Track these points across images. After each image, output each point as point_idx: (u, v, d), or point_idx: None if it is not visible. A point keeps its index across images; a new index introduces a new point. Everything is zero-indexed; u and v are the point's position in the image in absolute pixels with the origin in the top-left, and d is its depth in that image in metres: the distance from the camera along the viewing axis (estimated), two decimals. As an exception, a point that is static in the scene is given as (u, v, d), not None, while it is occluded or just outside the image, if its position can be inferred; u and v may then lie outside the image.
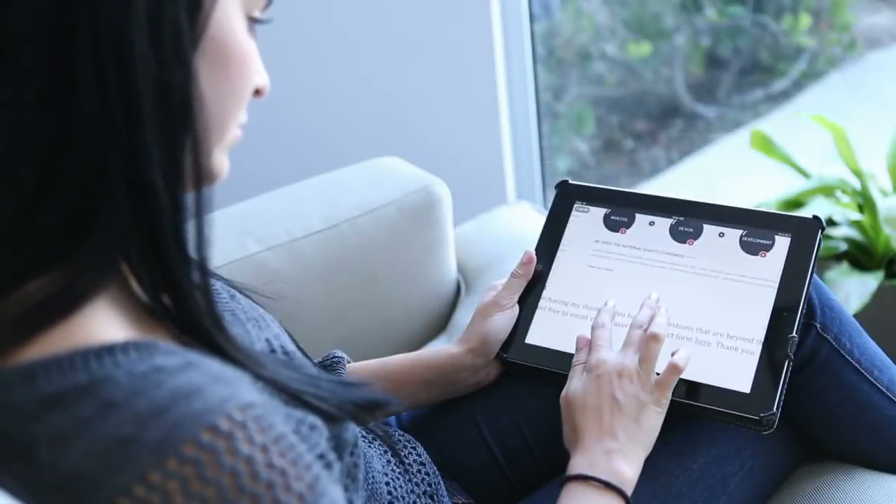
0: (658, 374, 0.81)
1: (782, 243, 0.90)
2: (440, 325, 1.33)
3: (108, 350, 0.50)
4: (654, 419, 0.80)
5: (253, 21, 0.59)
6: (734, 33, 2.73)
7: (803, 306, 0.86)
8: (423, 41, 1.86)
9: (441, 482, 0.88)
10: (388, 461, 0.85)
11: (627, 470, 0.77)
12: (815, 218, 0.90)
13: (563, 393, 0.83)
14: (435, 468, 0.89)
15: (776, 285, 0.88)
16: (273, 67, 2.05)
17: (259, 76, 0.61)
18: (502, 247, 1.34)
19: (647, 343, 0.81)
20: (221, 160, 0.60)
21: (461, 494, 0.93)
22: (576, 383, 0.82)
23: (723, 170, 2.73)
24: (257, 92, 0.61)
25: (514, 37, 1.89)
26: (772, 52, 2.78)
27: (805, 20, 2.73)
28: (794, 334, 0.83)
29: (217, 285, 0.72)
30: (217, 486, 0.48)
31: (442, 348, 0.95)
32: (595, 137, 2.79)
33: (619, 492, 0.76)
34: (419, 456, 0.88)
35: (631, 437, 0.78)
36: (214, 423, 0.49)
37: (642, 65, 2.76)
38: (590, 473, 0.76)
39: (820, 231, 0.89)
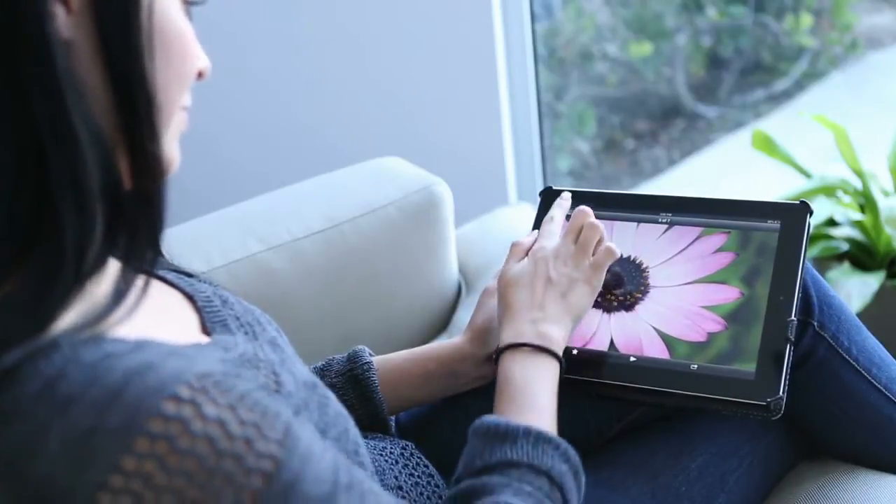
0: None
1: (772, 230, 0.91)
2: (441, 325, 1.33)
3: (55, 345, 0.49)
4: (585, 297, 0.83)
5: (188, 3, 0.59)
6: (735, 33, 2.73)
7: (799, 290, 0.87)
8: (424, 41, 1.87)
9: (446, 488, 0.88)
10: (399, 472, 0.84)
11: (555, 332, 0.80)
12: (803, 202, 0.91)
13: (500, 273, 0.87)
14: (440, 478, 0.89)
15: (770, 271, 0.89)
16: (274, 68, 2.05)
17: (199, 59, 0.60)
18: (503, 247, 1.33)
19: (586, 230, 0.86)
20: (172, 148, 0.60)
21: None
22: (513, 264, 0.86)
23: (724, 170, 2.73)
24: (200, 74, 0.61)
25: (516, 37, 1.89)
26: (773, 51, 2.78)
27: (806, 20, 2.73)
28: (792, 318, 0.84)
29: (208, 292, 0.71)
30: (195, 455, 0.48)
31: (446, 341, 0.95)
32: (596, 137, 2.79)
33: (551, 353, 0.79)
34: (427, 468, 0.88)
35: (558, 307, 0.82)
36: (174, 392, 0.48)
37: (643, 65, 2.76)
38: (518, 341, 0.79)
39: (808, 215, 0.90)
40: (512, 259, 0.87)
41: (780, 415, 0.82)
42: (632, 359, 0.89)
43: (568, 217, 0.93)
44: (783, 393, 0.82)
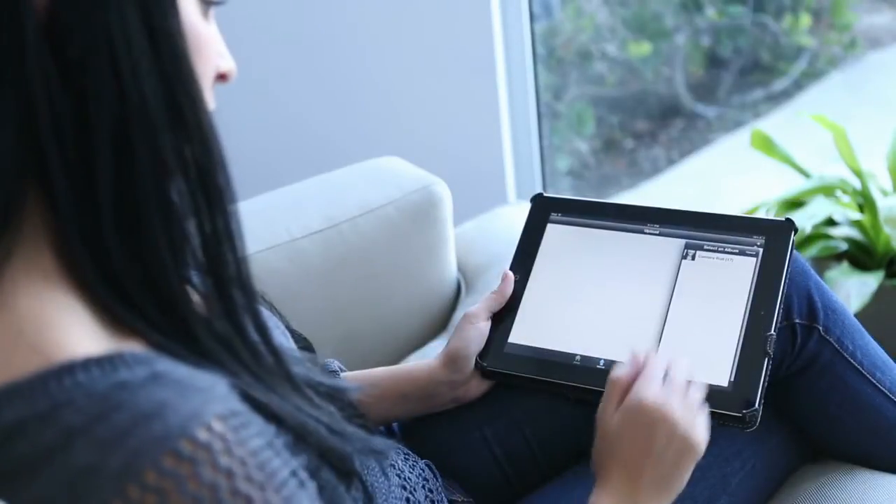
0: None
1: (756, 245, 0.91)
2: (440, 324, 1.33)
3: (69, 369, 0.48)
4: (688, 466, 0.77)
5: (207, 3, 0.58)
6: (734, 33, 2.73)
7: (780, 306, 0.87)
8: (423, 41, 1.86)
9: (444, 499, 0.88)
10: (398, 475, 0.84)
11: None
12: (788, 220, 0.92)
13: (598, 412, 0.79)
14: (438, 483, 0.89)
15: (751, 286, 0.89)
16: (273, 67, 2.05)
17: (222, 60, 0.60)
18: (502, 246, 1.34)
19: (696, 391, 0.78)
20: None
21: (462, 494, 0.93)
22: (611, 409, 0.78)
23: (723, 170, 2.73)
24: (222, 77, 0.60)
25: (515, 36, 1.89)
26: (772, 51, 2.78)
27: (805, 20, 2.73)
28: (772, 332, 0.84)
29: None
30: (196, 499, 0.47)
31: (422, 362, 0.95)
32: (595, 137, 2.78)
33: None
34: (422, 471, 0.88)
35: (661, 487, 0.75)
36: (176, 447, 0.47)
37: (642, 64, 2.76)
38: None
39: (793, 232, 0.91)
40: (610, 402, 0.78)
41: (754, 427, 0.82)
42: (601, 363, 0.89)
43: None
44: (759, 405, 0.82)
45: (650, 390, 0.76)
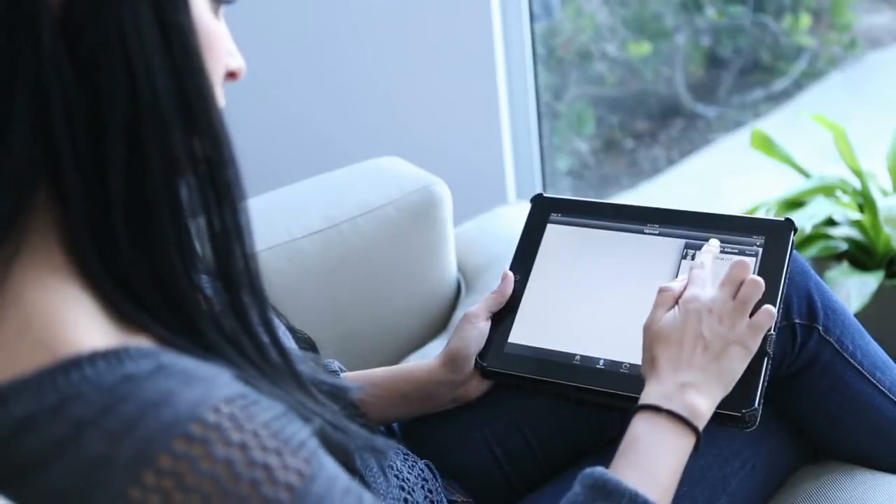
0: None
1: (755, 245, 0.92)
2: (440, 324, 1.33)
3: (76, 364, 0.49)
4: (737, 362, 0.78)
5: (218, 2, 0.58)
6: (734, 33, 2.73)
7: (780, 306, 0.87)
8: (423, 41, 1.86)
9: (444, 499, 0.88)
10: (396, 475, 0.84)
11: (702, 405, 0.75)
12: (788, 220, 0.92)
13: (645, 322, 0.81)
14: (437, 483, 0.89)
15: None
16: (273, 67, 2.05)
17: (232, 58, 0.60)
18: (502, 246, 1.34)
19: (747, 287, 0.80)
20: None
21: (462, 494, 0.93)
22: (661, 313, 0.80)
23: (723, 170, 2.73)
24: (232, 75, 0.61)
25: (515, 36, 1.89)
26: (772, 51, 2.78)
27: (805, 20, 2.73)
28: (771, 332, 0.84)
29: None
30: (200, 493, 0.47)
31: (422, 362, 0.95)
32: (595, 137, 2.79)
33: (691, 426, 0.74)
34: (422, 471, 0.88)
35: (709, 373, 0.76)
36: (186, 431, 0.48)
37: (642, 64, 2.76)
38: (662, 405, 0.74)
39: (792, 232, 0.91)
40: (660, 308, 0.81)
41: (754, 426, 0.82)
42: (601, 363, 0.89)
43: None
44: (758, 405, 0.82)
45: (704, 290, 0.80)
